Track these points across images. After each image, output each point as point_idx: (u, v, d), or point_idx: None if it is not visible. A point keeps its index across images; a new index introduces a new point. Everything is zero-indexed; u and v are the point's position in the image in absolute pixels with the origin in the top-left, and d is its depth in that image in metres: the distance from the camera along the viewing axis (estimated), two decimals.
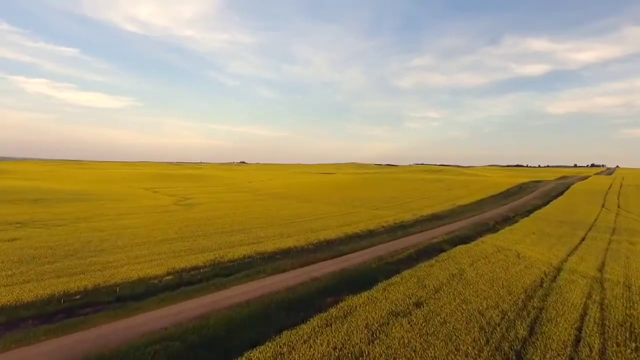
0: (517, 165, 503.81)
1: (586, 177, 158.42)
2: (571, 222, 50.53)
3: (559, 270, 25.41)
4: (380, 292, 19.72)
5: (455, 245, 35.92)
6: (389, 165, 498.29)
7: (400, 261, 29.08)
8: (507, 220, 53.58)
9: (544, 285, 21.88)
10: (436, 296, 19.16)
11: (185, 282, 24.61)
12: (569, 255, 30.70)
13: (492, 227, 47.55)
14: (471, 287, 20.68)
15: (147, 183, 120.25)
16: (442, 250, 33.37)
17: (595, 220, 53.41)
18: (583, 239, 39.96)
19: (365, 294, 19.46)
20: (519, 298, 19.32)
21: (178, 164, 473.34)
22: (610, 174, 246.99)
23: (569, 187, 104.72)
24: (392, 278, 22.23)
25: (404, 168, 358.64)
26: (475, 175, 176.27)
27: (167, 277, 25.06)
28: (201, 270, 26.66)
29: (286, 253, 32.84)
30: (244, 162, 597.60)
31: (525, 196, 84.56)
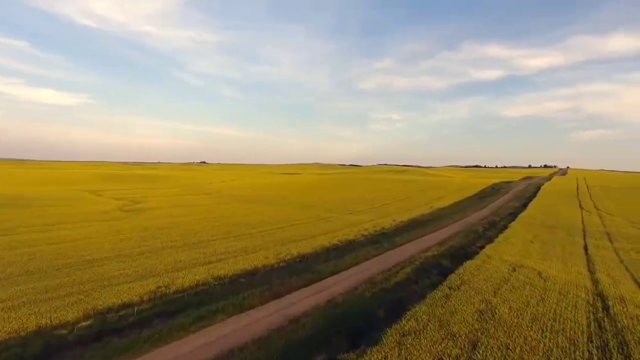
0: (476, 166, 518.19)
1: (550, 178, 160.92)
2: (562, 227, 46.78)
3: (601, 297, 20.30)
4: (395, 350, 13.48)
5: (454, 258, 30.59)
6: (352, 165, 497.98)
7: (399, 286, 23.09)
8: (495, 225, 49.21)
9: (604, 325, 16.50)
10: (476, 356, 13.17)
11: (109, 331, 17.29)
12: (592, 273, 25.91)
13: (483, 234, 42.81)
14: (516, 334, 14.90)
15: (94, 185, 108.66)
16: (442, 267, 27.83)
17: (583, 224, 50.14)
18: (586, 248, 35.80)
19: (373, 355, 13.16)
20: (590, 353, 13.72)
21: (135, 163, 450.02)
22: (564, 174, 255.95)
23: (539, 187, 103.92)
24: (403, 321, 16.06)
25: (368, 168, 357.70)
26: (442, 176, 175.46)
27: (83, 324, 17.65)
28: (136, 309, 19.35)
29: (252, 275, 26.04)
30: (204, 162, 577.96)
31: (500, 197, 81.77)
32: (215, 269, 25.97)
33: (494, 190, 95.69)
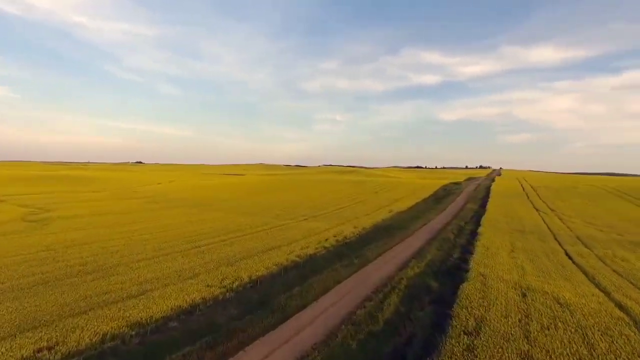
0: (417, 167, 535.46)
1: (493, 179, 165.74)
2: (531, 232, 44.00)
3: None
4: None
5: (440, 277, 25.49)
6: (298, 166, 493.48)
7: (390, 326, 17.27)
8: (463, 230, 45.49)
9: None
10: None
11: None
12: (607, 293, 21.83)
13: (456, 242, 38.63)
14: None
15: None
16: (433, 292, 22.48)
17: (548, 227, 47.94)
18: (570, 257, 32.50)
19: None
20: None
21: (61, 163, 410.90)
22: (499, 174, 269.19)
23: (488, 188, 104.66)
24: None
25: (315, 169, 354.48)
26: (390, 177, 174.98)
27: None
28: None
29: (189, 316, 18.93)
30: (140, 162, 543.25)
31: (455, 198, 79.84)
32: (134, 310, 18.54)
33: (446, 192, 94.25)
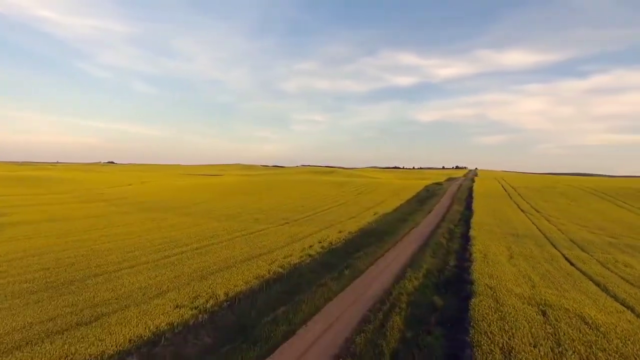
0: (395, 167, 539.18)
1: (472, 179, 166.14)
2: (524, 235, 42.07)
3: None
4: None
5: (442, 290, 22.79)
6: (276, 166, 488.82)
7: (398, 359, 14.30)
8: (454, 234, 43.23)
9: None
10: None
11: None
12: (629, 308, 19.52)
13: (449, 247, 36.24)
14: None
15: None
16: (438, 310, 19.68)
17: (539, 229, 46.26)
18: (571, 262, 30.48)
19: None
20: None
21: (26, 163, 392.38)
22: (475, 175, 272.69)
23: (470, 189, 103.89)
24: None
25: (293, 169, 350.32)
26: (370, 177, 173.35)
27: None
28: None
29: (152, 347, 15.52)
30: (112, 162, 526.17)
31: (439, 200, 78.09)
32: (82, 343, 14.94)
33: (429, 193, 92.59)
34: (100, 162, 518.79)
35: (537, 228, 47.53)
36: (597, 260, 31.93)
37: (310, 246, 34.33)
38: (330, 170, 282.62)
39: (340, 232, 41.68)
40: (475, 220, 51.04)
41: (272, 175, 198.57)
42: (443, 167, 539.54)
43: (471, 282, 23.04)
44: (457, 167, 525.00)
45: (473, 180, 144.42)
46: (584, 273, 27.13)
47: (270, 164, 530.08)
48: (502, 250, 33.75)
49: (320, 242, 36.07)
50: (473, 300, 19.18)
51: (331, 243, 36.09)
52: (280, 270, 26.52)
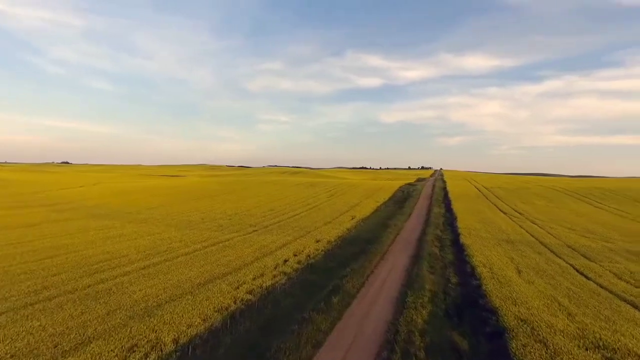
0: (362, 167, 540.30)
1: (443, 179, 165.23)
2: (519, 242, 38.37)
3: None
4: None
5: (456, 321, 17.92)
6: (241, 166, 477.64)
7: None
8: (443, 241, 38.88)
9: None
10: None
11: None
12: None
13: (443, 258, 31.72)
14: None
15: None
16: (463, 358, 14.76)
17: (531, 234, 42.83)
18: (585, 275, 26.63)
19: None
20: None
21: None
22: (441, 175, 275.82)
23: (444, 189, 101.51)
24: None
25: (259, 170, 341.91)
26: (339, 178, 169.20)
27: None
28: None
29: None
30: (67, 163, 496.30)
31: (416, 201, 74.35)
32: None
33: (404, 194, 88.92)
34: (53, 163, 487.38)
35: (527, 232, 44.11)
36: (610, 271, 28.27)
37: (285, 261, 28.80)
38: (297, 170, 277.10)
39: (317, 241, 36.33)
40: (461, 224, 47.11)
41: (238, 176, 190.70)
42: (409, 168, 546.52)
43: (493, 311, 18.29)
44: (422, 168, 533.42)
45: (444, 181, 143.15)
46: (610, 291, 23.08)
47: (236, 164, 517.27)
48: (505, 261, 29.55)
49: (297, 255, 30.58)
50: (513, 343, 14.34)
51: (309, 256, 30.66)
52: (249, 297, 20.84)
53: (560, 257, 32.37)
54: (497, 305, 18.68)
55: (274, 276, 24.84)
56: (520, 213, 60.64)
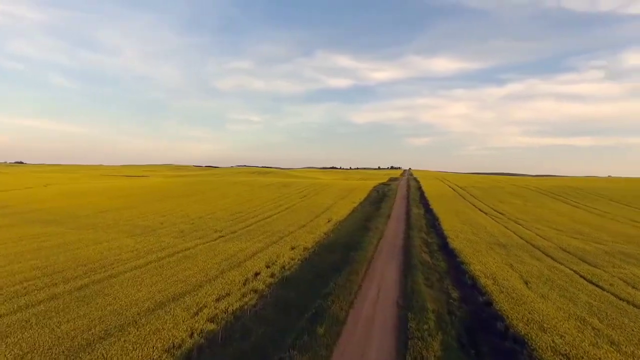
0: (332, 167, 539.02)
1: (415, 179, 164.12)
2: (511, 245, 35.48)
3: None
4: None
5: (465, 348, 14.17)
6: (210, 166, 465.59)
7: None
8: (431, 246, 35.44)
9: None
10: None
11: None
12: None
13: (437, 268, 28.12)
14: None
15: None
16: None
17: (520, 237, 40.17)
18: (600, 287, 23.67)
19: None
20: None
21: None
22: (410, 174, 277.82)
23: (419, 189, 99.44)
24: None
25: (228, 170, 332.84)
26: (310, 178, 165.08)
27: None
28: None
29: None
30: (21, 162, 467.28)
31: (393, 202, 71.13)
32: None
33: (379, 194, 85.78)
34: (5, 162, 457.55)
35: (516, 234, 41.45)
36: (619, 278, 25.55)
37: (256, 274, 24.35)
38: (267, 170, 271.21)
39: (293, 248, 32.03)
40: (445, 226, 44.06)
41: (205, 176, 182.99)
42: (379, 168, 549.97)
43: (519, 340, 14.61)
44: (392, 168, 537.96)
45: (417, 180, 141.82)
46: (634, 305, 20.04)
47: (205, 164, 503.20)
48: (506, 270, 26.29)
49: (269, 267, 26.20)
50: None
51: (284, 267, 26.35)
52: (210, 327, 16.37)
53: (560, 263, 29.50)
54: (522, 332, 15.04)
55: (243, 295, 20.40)
56: (501, 213, 58.47)
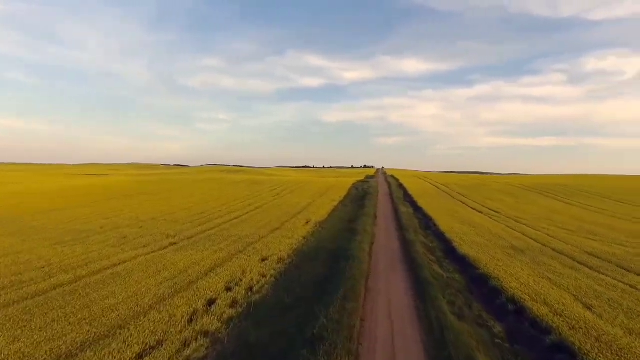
0: (305, 166, 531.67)
1: (393, 176, 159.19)
2: (528, 249, 29.49)
3: None
4: None
5: None
6: (178, 165, 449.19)
7: None
8: (435, 252, 28.93)
9: None
10: None
11: None
12: None
13: (454, 281, 21.48)
14: None
15: None
16: None
17: (534, 239, 34.35)
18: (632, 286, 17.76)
19: None
20: None
21: None
22: (384, 173, 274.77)
23: (401, 187, 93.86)
24: None
25: (197, 169, 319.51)
26: (284, 176, 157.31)
27: None
28: None
29: None
30: None
31: (377, 200, 64.54)
32: None
33: (359, 192, 79.29)
34: None
35: (525, 235, 35.68)
36: None
37: (211, 302, 16.98)
38: (238, 169, 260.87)
39: (264, 259, 24.74)
40: (443, 227, 37.86)
41: (172, 174, 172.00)
42: (352, 167, 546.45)
43: None
44: (365, 166, 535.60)
45: (395, 178, 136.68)
46: None
47: (173, 163, 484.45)
48: (547, 286, 19.97)
49: (231, 290, 18.81)
50: None
51: (251, 289, 19.05)
52: None
53: (601, 273, 23.52)
54: None
55: (184, 344, 12.98)
56: (495, 211, 53.02)
